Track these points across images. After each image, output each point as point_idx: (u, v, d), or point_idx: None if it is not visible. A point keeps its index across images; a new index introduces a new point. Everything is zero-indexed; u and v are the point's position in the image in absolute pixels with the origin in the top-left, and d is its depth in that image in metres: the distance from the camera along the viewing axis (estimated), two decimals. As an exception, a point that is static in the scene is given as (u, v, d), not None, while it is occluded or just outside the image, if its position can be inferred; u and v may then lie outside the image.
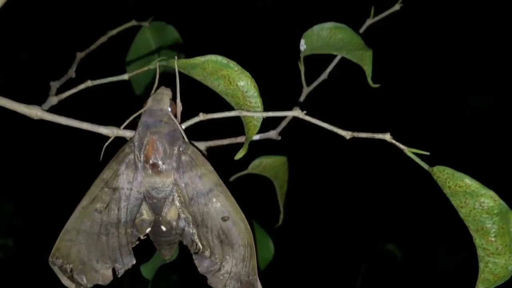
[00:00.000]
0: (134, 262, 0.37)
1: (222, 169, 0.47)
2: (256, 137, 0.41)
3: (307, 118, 0.34)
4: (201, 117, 0.35)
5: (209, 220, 0.35)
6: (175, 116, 0.34)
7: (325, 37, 0.41)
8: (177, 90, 0.34)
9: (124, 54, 0.50)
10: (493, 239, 0.29)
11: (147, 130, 0.33)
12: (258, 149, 0.49)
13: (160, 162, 0.34)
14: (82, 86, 0.35)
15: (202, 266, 0.35)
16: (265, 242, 0.48)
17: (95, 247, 0.36)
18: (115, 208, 0.35)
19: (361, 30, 0.46)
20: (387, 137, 0.32)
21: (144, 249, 0.42)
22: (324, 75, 0.44)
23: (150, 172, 0.34)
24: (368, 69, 0.37)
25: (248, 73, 0.34)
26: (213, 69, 0.34)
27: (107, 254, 0.36)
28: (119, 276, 0.37)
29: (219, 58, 0.34)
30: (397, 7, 0.46)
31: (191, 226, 0.35)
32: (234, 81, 0.34)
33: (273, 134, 0.41)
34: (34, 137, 1.10)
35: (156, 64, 0.36)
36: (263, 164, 0.49)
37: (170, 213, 0.35)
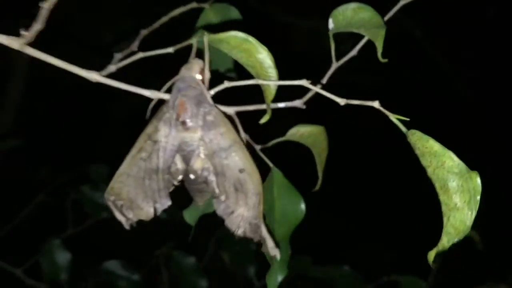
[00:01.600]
0: (170, 203, 0.44)
1: (261, 136, 0.53)
2: (282, 104, 0.46)
3: (311, 86, 0.39)
4: (226, 84, 0.42)
5: (228, 170, 0.41)
6: (204, 82, 0.41)
7: (348, 16, 0.45)
8: (206, 61, 0.41)
9: (182, 32, 0.57)
10: (453, 195, 0.32)
11: (178, 93, 0.41)
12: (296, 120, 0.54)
13: (187, 120, 0.41)
14: (134, 57, 0.43)
15: (219, 208, 0.42)
16: (296, 201, 0.53)
17: (140, 189, 0.44)
18: (155, 158, 0.43)
19: (394, 10, 0.49)
20: (376, 104, 0.36)
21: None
22: (354, 52, 0.49)
23: (180, 128, 0.41)
24: (379, 45, 0.42)
25: (265, 47, 0.40)
26: (236, 43, 0.40)
27: (149, 195, 0.44)
28: (158, 214, 0.45)
29: (240, 34, 0.40)
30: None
31: (211, 175, 0.42)
32: (253, 54, 0.40)
33: (298, 103, 0.47)
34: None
35: (194, 41, 0.43)
36: (300, 132, 0.54)
37: (197, 163, 0.42)
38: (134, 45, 0.49)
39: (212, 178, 0.42)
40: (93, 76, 0.40)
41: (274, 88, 0.41)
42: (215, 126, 0.41)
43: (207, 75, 0.42)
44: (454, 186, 0.32)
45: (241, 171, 0.42)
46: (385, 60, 0.41)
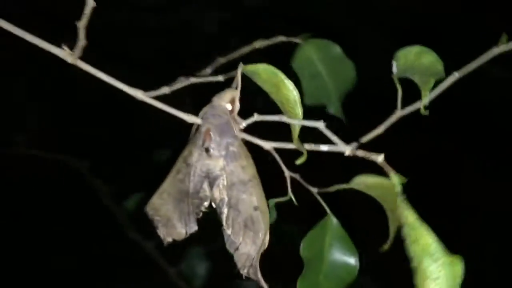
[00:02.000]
0: (196, 228, 0.44)
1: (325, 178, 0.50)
2: (324, 148, 0.43)
3: (325, 131, 0.36)
4: (255, 117, 0.41)
5: (243, 205, 0.40)
6: (233, 112, 0.41)
7: (411, 60, 0.41)
8: (237, 92, 0.41)
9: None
10: (425, 281, 0.26)
11: (205, 121, 0.41)
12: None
13: (211, 148, 0.41)
14: (185, 83, 0.45)
15: (227, 242, 0.41)
16: (351, 255, 0.48)
17: (177, 209, 0.45)
18: (187, 181, 0.44)
19: (484, 60, 0.43)
20: (380, 158, 0.32)
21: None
22: (425, 101, 0.43)
23: (205, 155, 0.41)
24: (423, 95, 0.36)
25: (291, 84, 0.38)
26: (267, 76, 0.39)
27: (182, 216, 0.45)
28: (186, 236, 0.45)
29: (270, 67, 0.39)
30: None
31: (224, 206, 0.41)
32: (280, 89, 0.39)
33: (345, 148, 0.43)
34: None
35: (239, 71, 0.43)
36: (365, 182, 0.49)
37: (216, 192, 0.42)
38: (207, 71, 0.51)
39: (224, 210, 0.41)
40: (137, 94, 0.43)
41: (298, 127, 0.39)
42: (237, 158, 0.41)
43: (237, 105, 0.41)
44: (428, 269, 0.26)
45: (255, 208, 0.40)
46: (426, 113, 0.36)
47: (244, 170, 0.41)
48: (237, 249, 0.41)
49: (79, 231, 1.43)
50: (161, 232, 0.46)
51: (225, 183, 0.41)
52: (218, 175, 0.42)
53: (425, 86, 0.36)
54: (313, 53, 0.59)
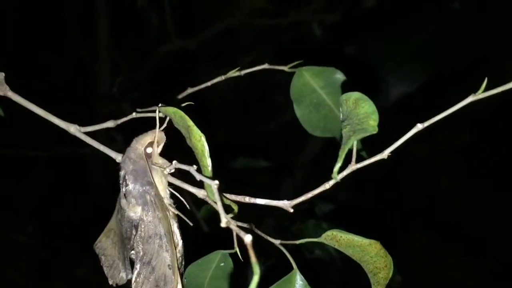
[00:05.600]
0: (130, 277, 0.41)
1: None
2: (261, 201, 0.38)
3: (216, 193, 0.30)
4: (174, 164, 0.36)
5: (157, 262, 0.36)
6: (151, 157, 0.37)
7: (350, 107, 0.33)
8: (156, 135, 0.37)
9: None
10: None
11: (122, 165, 0.37)
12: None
13: (126, 194, 0.37)
14: (127, 118, 0.41)
15: None
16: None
17: (121, 250, 0.42)
18: (120, 223, 0.41)
19: (458, 106, 0.34)
20: (247, 238, 0.26)
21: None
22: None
23: (124, 201, 0.38)
24: (339, 156, 0.29)
25: (200, 133, 0.33)
26: (177, 120, 0.35)
27: (125, 260, 0.41)
28: (123, 283, 0.42)
29: (177, 111, 0.34)
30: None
31: (137, 261, 0.37)
32: (190, 136, 0.34)
33: (284, 204, 0.37)
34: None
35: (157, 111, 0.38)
36: (336, 238, 0.42)
37: (134, 242, 0.38)
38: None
39: (136, 265, 0.37)
40: (70, 128, 0.41)
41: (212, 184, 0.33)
42: (154, 209, 0.37)
43: (157, 149, 0.37)
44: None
45: (169, 267, 0.36)
46: (336, 178, 0.29)
47: (161, 222, 0.36)
48: None
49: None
50: (106, 273, 0.43)
51: (143, 235, 0.37)
52: (136, 224, 0.38)
53: (344, 146, 0.29)
54: (313, 81, 0.53)
